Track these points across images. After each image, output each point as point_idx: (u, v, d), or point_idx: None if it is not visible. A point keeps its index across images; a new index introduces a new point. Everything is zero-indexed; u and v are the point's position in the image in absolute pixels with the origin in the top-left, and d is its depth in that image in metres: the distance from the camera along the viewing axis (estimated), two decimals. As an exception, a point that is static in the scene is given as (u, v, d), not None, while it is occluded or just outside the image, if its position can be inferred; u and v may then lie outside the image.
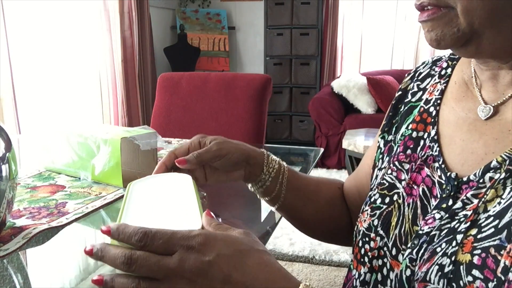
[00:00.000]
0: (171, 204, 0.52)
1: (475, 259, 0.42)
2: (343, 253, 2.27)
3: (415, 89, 0.63)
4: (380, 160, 0.63)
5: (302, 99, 4.32)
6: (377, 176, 0.63)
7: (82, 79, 3.17)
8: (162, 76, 1.86)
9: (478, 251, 0.42)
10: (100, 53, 3.29)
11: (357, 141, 2.90)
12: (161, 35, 4.34)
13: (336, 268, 2.17)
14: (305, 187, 0.70)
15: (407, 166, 0.56)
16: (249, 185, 0.69)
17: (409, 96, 0.63)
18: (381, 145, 0.64)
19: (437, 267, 0.45)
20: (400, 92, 0.65)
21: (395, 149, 0.61)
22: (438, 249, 0.46)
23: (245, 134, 1.67)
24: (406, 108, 0.62)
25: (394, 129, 0.63)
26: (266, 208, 0.95)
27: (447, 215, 0.48)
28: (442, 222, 0.48)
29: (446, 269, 0.44)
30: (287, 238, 2.45)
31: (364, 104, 3.86)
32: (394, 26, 4.34)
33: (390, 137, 0.63)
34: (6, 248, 0.67)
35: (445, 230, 0.47)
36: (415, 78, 0.64)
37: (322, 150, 1.48)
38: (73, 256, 0.73)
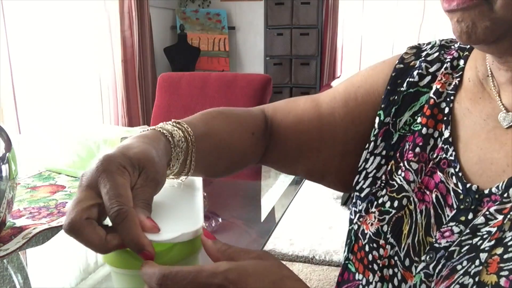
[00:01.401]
0: (174, 202, 0.51)
1: (502, 281, 0.39)
2: (343, 253, 2.27)
3: (423, 70, 0.56)
4: (373, 143, 0.57)
5: (302, 99, 4.32)
6: (367, 159, 0.57)
7: (82, 79, 3.17)
8: (162, 76, 1.86)
9: (506, 273, 0.39)
10: (100, 53, 3.29)
11: (357, 141, 2.89)
12: (161, 35, 4.34)
13: (336, 268, 2.17)
14: (214, 146, 0.57)
15: (415, 166, 0.52)
16: None
17: (415, 77, 0.56)
18: (376, 125, 0.57)
19: (458, 286, 0.42)
20: (401, 65, 0.58)
21: (395, 138, 0.56)
22: (459, 267, 0.43)
23: (245, 134, 1.67)
24: (411, 91, 0.56)
25: (393, 111, 0.56)
26: (266, 208, 0.95)
27: (468, 231, 0.44)
28: (463, 238, 0.44)
29: None
30: (287, 238, 2.45)
31: (364, 104, 3.86)
32: (394, 26, 4.34)
33: (388, 119, 0.56)
34: (6, 248, 0.67)
35: (466, 247, 0.44)
36: (422, 58, 0.57)
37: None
38: (73, 256, 0.73)
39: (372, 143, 0.57)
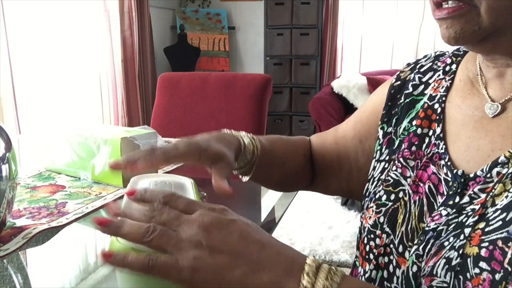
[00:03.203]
0: None
1: (483, 252, 0.42)
2: (343, 253, 2.27)
3: (416, 81, 0.62)
4: (378, 152, 0.63)
5: (302, 99, 4.32)
6: (374, 167, 0.62)
7: (82, 79, 3.17)
8: (162, 76, 1.86)
9: (486, 244, 0.42)
10: (100, 53, 3.29)
11: (357, 141, 2.89)
12: (161, 35, 4.33)
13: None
14: (271, 162, 0.72)
15: (412, 163, 0.56)
16: None
17: (410, 88, 0.62)
18: (380, 136, 0.64)
19: (444, 260, 0.45)
20: (398, 82, 0.65)
21: (396, 143, 0.60)
22: (446, 243, 0.46)
23: (245, 134, 1.67)
24: (407, 100, 0.62)
25: (394, 121, 0.62)
26: (266, 208, 0.95)
27: (454, 210, 0.48)
28: (449, 217, 0.48)
29: (454, 262, 0.44)
30: (287, 238, 2.45)
31: (364, 104, 3.86)
32: (394, 26, 4.34)
33: (390, 129, 0.63)
34: (6, 248, 0.67)
35: (453, 225, 0.47)
36: (416, 70, 0.64)
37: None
38: (73, 256, 0.73)
39: (378, 152, 0.63)
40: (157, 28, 4.13)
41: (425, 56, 0.66)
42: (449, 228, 0.47)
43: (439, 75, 0.61)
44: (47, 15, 2.80)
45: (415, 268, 0.49)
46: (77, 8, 3.03)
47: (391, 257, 0.53)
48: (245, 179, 0.70)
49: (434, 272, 0.45)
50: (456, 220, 0.47)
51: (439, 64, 0.62)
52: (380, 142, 0.63)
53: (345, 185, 0.73)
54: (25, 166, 1.12)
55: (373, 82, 3.87)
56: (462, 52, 0.61)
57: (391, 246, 0.53)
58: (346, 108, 3.93)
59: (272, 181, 0.76)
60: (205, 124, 1.75)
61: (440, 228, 0.48)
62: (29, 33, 2.65)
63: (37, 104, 2.74)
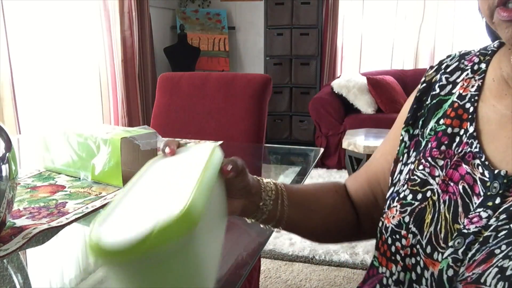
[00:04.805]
0: (174, 180, 0.46)
1: None
2: (343, 253, 2.27)
3: (444, 81, 0.61)
4: (405, 155, 0.61)
5: (302, 99, 4.32)
6: (401, 171, 0.60)
7: (82, 79, 3.17)
8: (162, 76, 1.86)
9: None
10: (100, 53, 3.29)
11: (357, 141, 2.89)
12: (161, 35, 4.34)
13: (336, 268, 2.17)
14: (305, 200, 0.66)
15: (441, 163, 0.55)
16: (248, 219, 0.63)
17: (437, 89, 0.61)
18: (406, 139, 0.62)
19: (496, 269, 0.43)
20: (424, 85, 0.63)
21: (423, 143, 0.59)
22: (497, 251, 0.44)
23: (245, 134, 1.67)
24: (434, 102, 0.60)
25: (420, 123, 0.61)
26: (266, 208, 0.94)
27: (504, 216, 0.46)
28: (499, 223, 0.46)
29: (508, 272, 0.42)
30: (287, 238, 2.45)
31: (364, 104, 3.86)
32: (394, 26, 4.34)
33: (417, 131, 0.61)
34: (6, 248, 0.67)
35: (504, 232, 0.45)
36: (442, 71, 0.62)
37: (322, 150, 1.48)
38: (73, 256, 0.73)
39: (405, 155, 0.61)
40: (157, 28, 4.13)
41: (448, 56, 0.64)
42: (499, 235, 0.45)
43: (467, 74, 0.59)
44: (47, 15, 2.80)
45: (450, 272, 0.47)
46: (77, 8, 3.03)
47: (418, 258, 0.51)
48: (279, 229, 0.63)
49: (482, 280, 0.43)
50: (507, 227, 0.45)
51: (466, 63, 0.61)
52: (407, 145, 0.61)
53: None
54: (25, 166, 1.12)
55: (373, 82, 3.87)
56: (490, 51, 0.59)
57: (418, 246, 0.51)
58: (346, 108, 3.93)
59: (311, 223, 0.67)
60: (205, 124, 1.75)
61: (488, 234, 0.46)
62: (29, 33, 2.65)
63: (37, 104, 2.74)
